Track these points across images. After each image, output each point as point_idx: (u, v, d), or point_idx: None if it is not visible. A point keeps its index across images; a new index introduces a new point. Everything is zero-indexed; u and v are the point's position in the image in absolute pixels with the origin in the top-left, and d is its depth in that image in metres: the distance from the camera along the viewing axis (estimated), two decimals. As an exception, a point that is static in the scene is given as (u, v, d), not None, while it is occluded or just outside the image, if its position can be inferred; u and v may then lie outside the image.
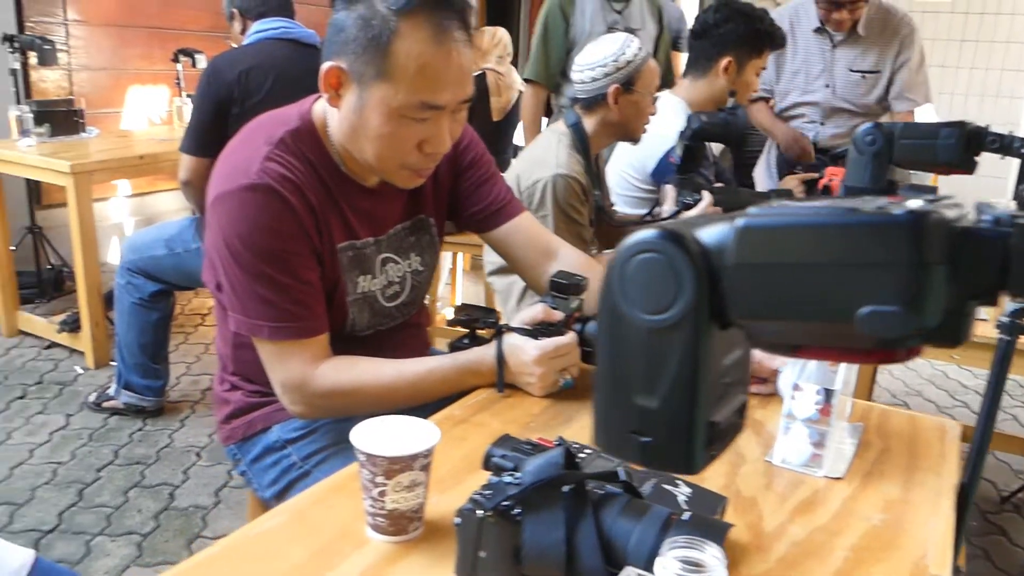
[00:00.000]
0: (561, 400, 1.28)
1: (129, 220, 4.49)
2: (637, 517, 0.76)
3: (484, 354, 1.30)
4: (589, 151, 2.09)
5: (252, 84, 2.54)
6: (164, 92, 4.50)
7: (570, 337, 1.28)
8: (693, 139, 2.01)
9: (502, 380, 1.29)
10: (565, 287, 1.32)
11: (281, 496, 1.39)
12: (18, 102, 3.45)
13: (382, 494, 0.87)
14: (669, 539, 0.65)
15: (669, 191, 2.02)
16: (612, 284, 0.46)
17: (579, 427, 1.20)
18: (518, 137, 3.74)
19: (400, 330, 1.50)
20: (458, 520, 0.78)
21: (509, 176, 2.07)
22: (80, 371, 3.29)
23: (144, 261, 2.79)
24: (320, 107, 1.32)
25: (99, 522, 2.35)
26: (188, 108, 3.77)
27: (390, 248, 1.43)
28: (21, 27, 3.81)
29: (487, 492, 0.78)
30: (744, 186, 3.11)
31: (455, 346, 1.44)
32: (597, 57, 2.05)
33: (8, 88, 3.48)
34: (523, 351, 1.27)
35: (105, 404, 2.96)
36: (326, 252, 1.31)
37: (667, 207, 2.00)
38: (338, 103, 1.24)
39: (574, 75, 2.09)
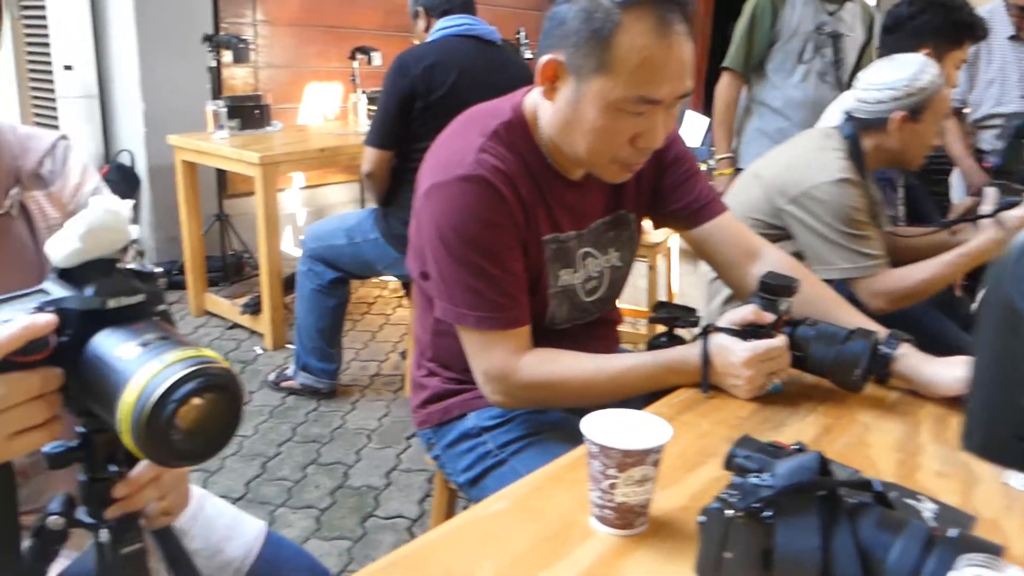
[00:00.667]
0: (769, 404, 1.24)
1: (301, 211, 4.72)
2: (896, 530, 0.72)
3: (688, 353, 1.28)
4: (864, 168, 1.93)
5: (436, 79, 2.60)
6: (338, 89, 4.70)
7: (781, 340, 1.24)
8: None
9: (707, 380, 1.26)
10: (775, 288, 1.27)
11: (475, 482, 1.41)
12: (214, 98, 3.69)
13: (612, 487, 0.87)
14: (965, 557, 0.61)
15: (991, 192, 1.90)
16: (1005, 281, 0.43)
17: (793, 431, 1.16)
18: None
19: (595, 326, 1.49)
20: (703, 518, 0.76)
21: (752, 175, 2.03)
22: (259, 351, 3.49)
23: (325, 249, 2.92)
24: (531, 100, 1.33)
25: (281, 494, 2.48)
26: (363, 104, 3.93)
27: (590, 242, 1.43)
28: (217, 27, 4.08)
29: (733, 492, 0.75)
30: (934, 193, 2.94)
31: (653, 344, 1.43)
32: (888, 79, 1.88)
33: (205, 84, 3.72)
34: (732, 352, 1.23)
35: (283, 384, 3.12)
36: (532, 244, 1.33)
37: (987, 207, 1.88)
38: (553, 96, 1.24)
39: (859, 91, 1.93)
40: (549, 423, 1.40)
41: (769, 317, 1.26)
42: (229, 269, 4.00)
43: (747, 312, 1.26)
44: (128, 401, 0.66)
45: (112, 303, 0.74)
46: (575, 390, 1.30)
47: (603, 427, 0.89)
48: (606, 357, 1.32)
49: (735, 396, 1.25)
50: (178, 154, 3.54)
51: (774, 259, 1.44)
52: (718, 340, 1.26)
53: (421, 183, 1.33)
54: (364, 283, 4.34)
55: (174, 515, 0.94)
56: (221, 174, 4.01)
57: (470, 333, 1.31)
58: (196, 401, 0.69)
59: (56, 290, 0.74)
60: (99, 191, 1.18)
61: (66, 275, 0.74)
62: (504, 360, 1.29)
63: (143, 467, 0.86)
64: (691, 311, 1.40)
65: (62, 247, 0.73)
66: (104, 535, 0.82)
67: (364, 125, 3.93)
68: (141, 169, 4.06)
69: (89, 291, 0.73)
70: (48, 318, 0.68)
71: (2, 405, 0.66)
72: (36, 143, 1.12)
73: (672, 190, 1.47)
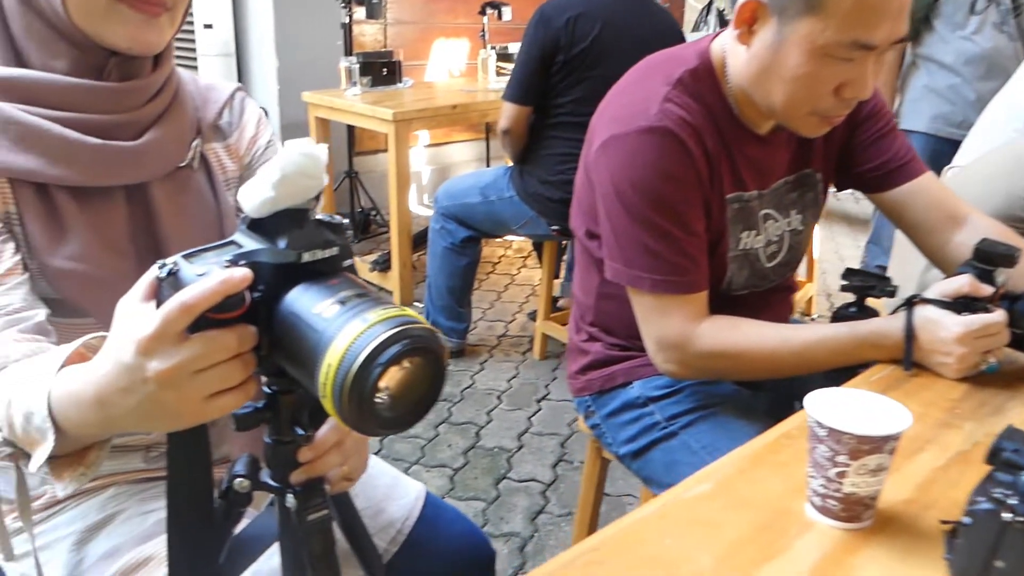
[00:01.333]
0: (983, 386, 1.11)
1: (426, 169, 4.71)
2: None
3: (889, 326, 1.16)
4: None
5: (579, 31, 2.50)
6: (466, 45, 4.64)
7: (999, 315, 1.10)
8: None
9: (911, 357, 1.14)
10: (993, 257, 1.14)
11: (639, 455, 1.34)
12: (345, 55, 3.69)
13: (841, 475, 0.78)
14: None
15: None
16: None
17: (1017, 417, 1.03)
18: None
19: (771, 293, 1.39)
20: (968, 520, 0.67)
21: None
22: (388, 308, 3.50)
23: (458, 207, 2.88)
24: (719, 45, 1.22)
25: (414, 452, 2.49)
26: (492, 60, 3.86)
27: (771, 203, 1.32)
28: (347, -17, 4.08)
29: (1007, 492, 0.65)
30: None
31: (840, 315, 1.31)
32: None
33: (337, 41, 3.73)
34: (942, 327, 1.11)
35: (413, 342, 3.12)
36: (715, 202, 1.23)
37: None
38: (749, 40, 1.13)
39: None
40: (721, 395, 1.31)
41: (987, 289, 1.12)
42: (358, 226, 4.04)
43: (961, 283, 1.13)
44: (331, 363, 0.61)
45: (307, 256, 0.69)
46: (757, 362, 1.20)
47: (830, 407, 0.79)
48: (792, 327, 1.21)
49: (941, 375, 1.13)
50: (311, 111, 3.56)
51: (984, 226, 1.29)
52: (926, 313, 1.13)
53: (595, 135, 1.25)
54: (488, 242, 4.30)
55: (354, 480, 0.91)
56: (350, 131, 4.03)
57: (644, 297, 1.23)
58: (403, 365, 0.64)
59: (247, 242, 0.70)
60: (273, 143, 1.16)
61: (257, 226, 0.70)
62: (681, 327, 1.21)
63: (327, 431, 0.82)
64: (886, 280, 1.28)
65: (254, 196, 0.68)
66: (290, 500, 0.79)
67: (494, 82, 3.86)
68: (275, 126, 4.13)
69: (282, 243, 0.68)
70: (244, 272, 0.63)
71: (200, 365, 0.61)
72: (216, 94, 1.10)
73: (864, 148, 1.34)
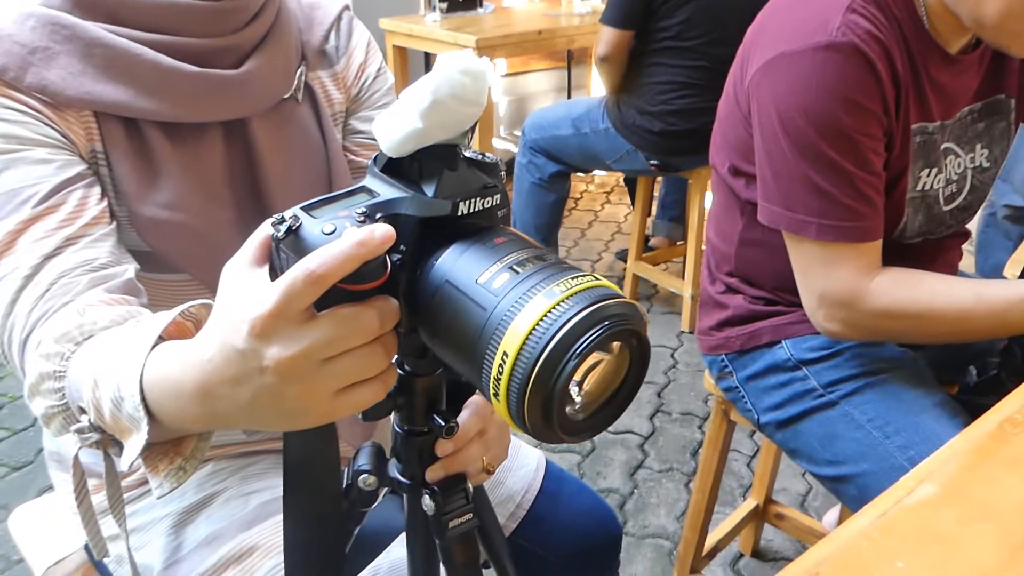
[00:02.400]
0: None
1: (502, 100, 4.51)
2: None
3: (1109, 285, 0.96)
4: None
5: (689, -56, 2.26)
6: (546, -33, 4.37)
7: None
8: None
9: None
10: None
11: (788, 424, 1.18)
12: (424, -23, 3.49)
13: None
14: None
15: None
16: None
17: None
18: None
19: (945, 240, 1.19)
20: None
21: None
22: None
23: (547, 140, 2.70)
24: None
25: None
26: (578, -19, 3.61)
27: (953, 136, 1.11)
28: (424, -99, 3.84)
29: None
30: None
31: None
32: None
33: (414, -37, 3.52)
34: None
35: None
36: (898, 135, 1.03)
37: None
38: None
39: None
40: (888, 360, 1.13)
41: None
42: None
43: None
44: (507, 353, 0.46)
45: (463, 207, 0.54)
46: (945, 324, 1.02)
47: None
48: (985, 283, 1.03)
49: None
50: (389, 39, 3.38)
51: None
52: None
53: (752, 54, 1.06)
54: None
55: (493, 472, 0.77)
56: (427, 59, 3.85)
57: (807, 245, 1.05)
58: (603, 354, 0.50)
59: (384, 189, 0.55)
60: (384, 71, 1.00)
61: (395, 168, 0.55)
62: (852, 281, 1.03)
63: (468, 418, 0.68)
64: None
65: (395, 128, 0.53)
66: (427, 502, 0.66)
67: (579, 4, 3.63)
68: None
69: (429, 190, 0.53)
70: (385, 229, 0.48)
71: (331, 351, 0.47)
72: (321, 14, 0.94)
73: None
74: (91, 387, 0.58)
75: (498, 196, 0.57)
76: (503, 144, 4.33)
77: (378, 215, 0.52)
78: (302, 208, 0.52)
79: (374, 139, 1.03)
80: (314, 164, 0.89)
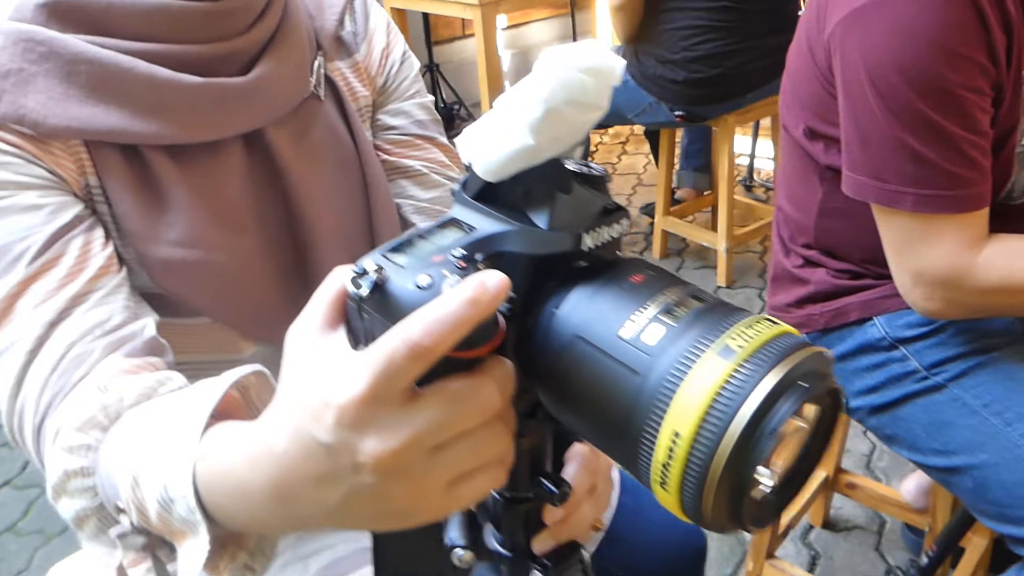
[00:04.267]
0: None
1: (505, 54, 4.34)
2: None
3: None
4: None
5: None
6: (540, -92, 4.16)
7: None
8: None
9: None
10: None
11: (886, 409, 1.07)
12: (414, -69, 3.30)
13: None
14: None
15: None
16: None
17: None
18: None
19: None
20: None
21: None
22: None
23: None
24: None
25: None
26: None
27: (1060, 76, 0.99)
28: None
29: None
30: None
31: None
32: None
33: (404, -84, 3.33)
34: None
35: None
36: (1008, 87, 0.91)
37: None
38: None
39: None
40: (997, 333, 1.02)
41: None
42: (444, 123, 3.74)
43: None
44: (679, 433, 0.36)
45: (588, 240, 0.43)
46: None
47: None
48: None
49: None
50: (386, 1, 3.21)
51: None
52: None
53: (839, 4, 0.93)
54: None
55: (603, 528, 0.66)
56: (426, 19, 3.68)
57: (902, 219, 0.94)
58: (799, 422, 0.40)
59: (480, 221, 0.44)
60: (408, 56, 0.88)
61: (490, 193, 0.44)
62: (955, 256, 0.92)
63: (577, 476, 0.58)
64: None
65: (495, 146, 0.43)
66: None
67: (580, -52, 3.44)
68: (341, 20, 3.79)
69: (541, 220, 0.42)
70: (497, 280, 0.37)
71: (442, 437, 0.37)
72: None
73: None
74: (130, 485, 0.48)
75: (625, 221, 0.46)
76: (509, 100, 4.18)
77: (479, 257, 0.42)
78: (383, 254, 0.41)
79: (407, 135, 0.91)
80: (347, 169, 0.77)
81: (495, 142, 0.42)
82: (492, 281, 0.37)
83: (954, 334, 1.03)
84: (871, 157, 0.93)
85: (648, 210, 3.00)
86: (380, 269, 0.39)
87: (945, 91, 0.87)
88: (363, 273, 0.39)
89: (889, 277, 1.02)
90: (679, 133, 2.98)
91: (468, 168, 0.46)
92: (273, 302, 0.72)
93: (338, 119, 0.78)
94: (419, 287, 0.38)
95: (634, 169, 3.57)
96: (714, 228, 2.70)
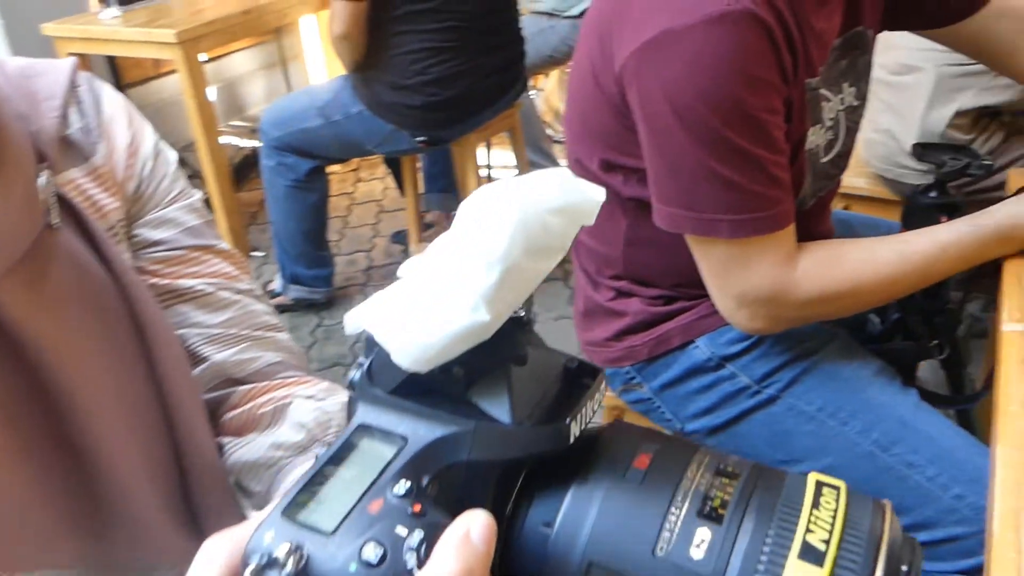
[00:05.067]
0: None
1: (211, 89, 4.01)
2: None
3: (1018, 213, 0.93)
4: None
5: None
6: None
7: None
8: None
9: (1058, 247, 0.93)
10: None
11: (721, 429, 1.07)
12: (84, -33, 2.93)
13: None
14: None
15: None
16: None
17: None
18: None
19: (829, 195, 1.12)
20: None
21: None
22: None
23: (295, 136, 2.38)
24: None
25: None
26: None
27: (823, 80, 1.03)
28: None
29: None
30: None
31: (917, 205, 1.08)
32: None
33: (66, -49, 2.94)
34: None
35: (272, 303, 2.64)
36: (797, 101, 0.93)
37: None
38: None
39: None
40: (812, 336, 1.05)
41: None
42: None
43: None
44: None
45: (576, 428, 0.33)
46: (875, 293, 0.96)
47: None
48: (904, 239, 0.96)
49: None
50: (61, 47, 2.81)
51: None
52: (1076, 190, 0.91)
53: (621, 31, 0.89)
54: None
55: None
56: (111, 62, 3.29)
57: (720, 246, 0.93)
58: None
59: (409, 426, 0.32)
60: (161, 150, 0.70)
61: (415, 386, 0.33)
62: (775, 275, 0.92)
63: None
64: (973, 153, 1.05)
65: (427, 329, 0.32)
66: None
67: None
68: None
69: (500, 411, 0.32)
70: (481, 527, 0.29)
71: None
72: (45, 84, 0.63)
73: None
74: None
75: (604, 383, 0.36)
76: (223, 139, 3.87)
77: (426, 480, 0.30)
78: (288, 517, 0.28)
79: (179, 249, 0.73)
80: (105, 311, 0.59)
81: (429, 322, 0.30)
82: (477, 531, 0.27)
83: (774, 344, 1.04)
84: (682, 188, 0.91)
85: (400, 238, 2.91)
86: (296, 550, 0.26)
87: (748, 116, 0.86)
88: (271, 563, 0.26)
89: (703, 297, 1.01)
90: (419, 156, 2.91)
91: (371, 349, 0.34)
92: (37, 523, 0.54)
93: (83, 248, 0.59)
94: (369, 565, 0.26)
95: (372, 196, 3.46)
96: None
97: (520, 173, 2.48)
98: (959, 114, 1.58)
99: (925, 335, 1.10)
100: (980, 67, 1.54)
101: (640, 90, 0.89)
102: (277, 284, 2.64)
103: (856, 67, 1.06)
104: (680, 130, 0.87)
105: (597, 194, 0.31)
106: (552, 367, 0.35)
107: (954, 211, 1.04)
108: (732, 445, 1.07)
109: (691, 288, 1.03)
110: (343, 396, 0.68)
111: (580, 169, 1.07)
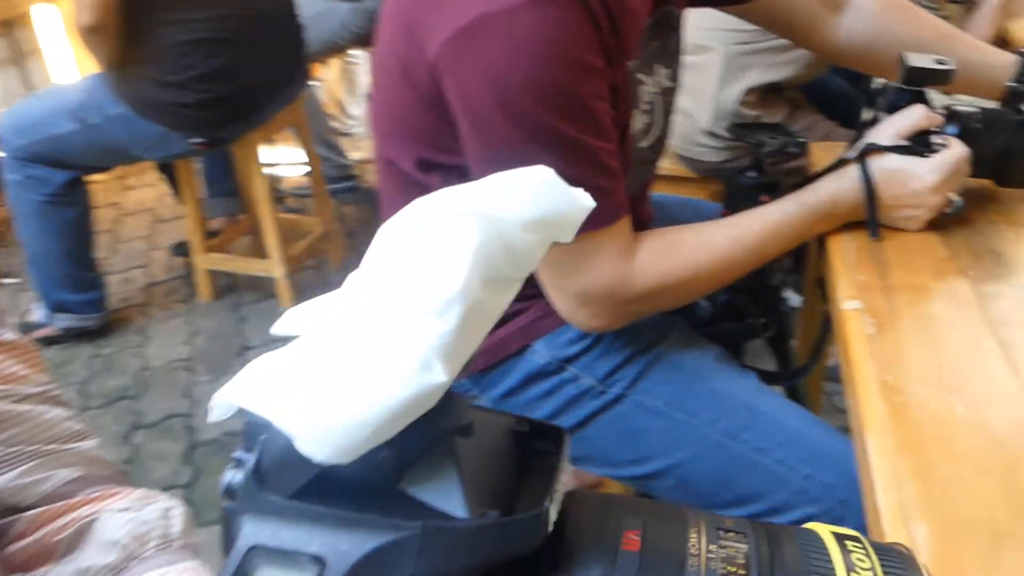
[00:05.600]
0: (958, 232, 0.96)
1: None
2: None
3: (841, 189, 0.94)
4: None
5: None
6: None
7: (962, 146, 0.94)
8: None
9: (876, 221, 0.94)
10: (930, 75, 0.95)
11: (570, 432, 1.01)
12: None
13: None
14: None
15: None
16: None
17: (1015, 256, 0.90)
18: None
19: (650, 182, 1.09)
20: None
21: None
22: (-31, 299, 2.57)
23: (43, 144, 2.08)
24: None
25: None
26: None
27: (639, 64, 0.99)
28: None
29: None
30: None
31: (739, 185, 1.07)
32: None
33: None
34: (913, 176, 0.92)
35: (36, 335, 2.31)
36: (622, 85, 0.88)
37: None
38: None
39: None
40: (651, 327, 1.01)
41: (939, 118, 0.95)
42: None
43: (916, 118, 0.93)
44: None
45: (555, 512, 0.27)
46: (711, 279, 0.94)
47: None
48: (734, 222, 0.94)
49: (904, 230, 0.96)
50: None
51: (867, 7, 1.10)
52: (888, 164, 0.93)
53: (429, 20, 0.80)
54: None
55: None
56: None
57: (555, 246, 0.86)
58: None
59: (326, 539, 0.24)
60: None
61: (325, 478, 0.25)
62: (614, 268, 0.88)
63: None
64: (787, 132, 1.05)
65: (365, 403, 0.24)
66: None
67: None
68: None
69: (453, 504, 0.25)
70: None
71: None
72: None
73: None
74: None
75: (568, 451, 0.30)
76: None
77: None
78: None
79: None
80: None
81: (356, 393, 0.22)
82: None
83: (613, 340, 1.00)
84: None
85: (181, 250, 2.64)
86: None
87: (576, 103, 0.80)
88: None
89: (536, 297, 0.95)
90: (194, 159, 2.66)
91: (252, 440, 0.25)
92: None
93: None
94: None
95: (145, 205, 3.14)
96: (261, 254, 2.47)
97: (311, 171, 2.33)
98: (748, 91, 1.63)
99: (753, 314, 1.10)
100: (764, 45, 1.60)
101: (457, 82, 0.80)
102: (39, 314, 2.31)
103: (668, 48, 1.03)
104: (505, 122, 0.79)
105: (586, 199, 0.26)
106: (499, 433, 0.28)
107: (773, 189, 1.05)
108: (581, 450, 1.02)
109: (524, 288, 0.96)
110: (165, 503, 0.55)
111: (393, 171, 0.97)
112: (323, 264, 2.66)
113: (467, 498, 0.24)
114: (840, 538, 0.27)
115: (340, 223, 2.83)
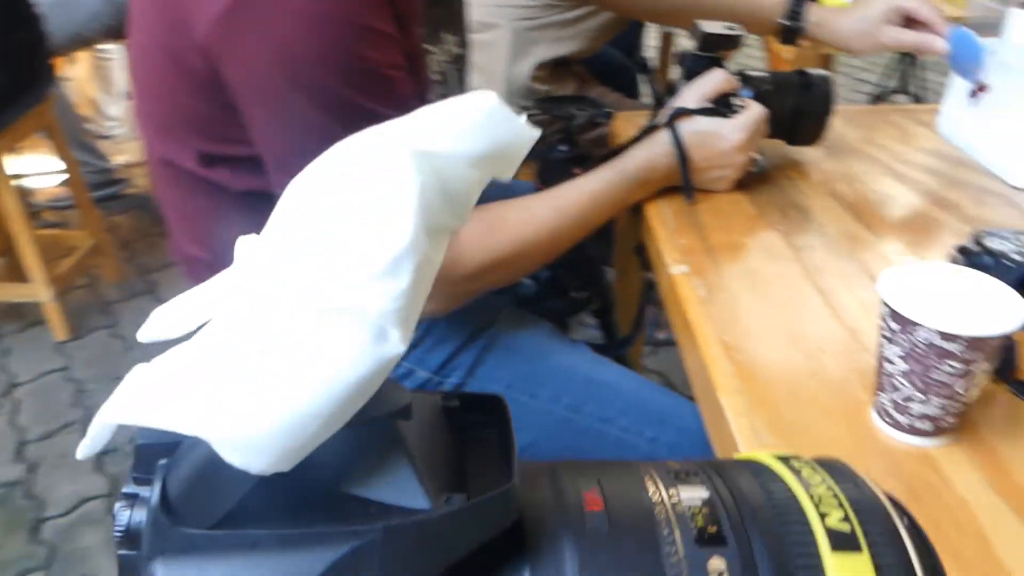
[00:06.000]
0: (764, 190, 1.00)
1: None
2: None
3: (653, 155, 0.96)
4: None
5: None
6: None
7: (760, 107, 0.98)
8: None
9: (690, 183, 0.96)
10: (723, 41, 0.98)
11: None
12: None
13: (968, 386, 0.58)
14: None
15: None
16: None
17: (820, 211, 0.95)
18: None
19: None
20: None
21: None
22: None
23: None
24: None
25: None
26: None
27: (424, 33, 0.95)
28: None
29: None
30: None
31: (553, 161, 1.06)
32: None
33: None
34: (720, 137, 0.95)
35: None
36: (414, 53, 0.84)
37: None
38: None
39: None
40: (479, 311, 0.98)
41: (737, 82, 0.98)
42: None
43: (718, 81, 0.96)
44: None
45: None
46: (539, 252, 0.92)
47: (910, 299, 0.58)
48: (556, 194, 0.93)
49: (715, 191, 0.99)
50: None
51: None
52: (697, 127, 0.95)
53: (195, 2, 0.71)
54: None
55: None
56: None
57: None
58: None
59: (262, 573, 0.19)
60: None
61: (261, 498, 0.20)
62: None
63: None
64: (592, 102, 1.05)
65: (307, 394, 0.19)
66: None
67: None
68: None
69: (410, 497, 0.22)
70: None
71: None
72: None
73: None
74: None
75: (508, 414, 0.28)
76: None
77: None
78: None
79: None
80: None
81: (295, 382, 0.19)
82: None
83: (443, 329, 0.95)
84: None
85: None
86: None
87: (374, 74, 0.75)
88: None
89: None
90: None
91: (149, 465, 0.21)
92: None
93: None
94: None
95: None
96: (19, 278, 2.18)
97: (70, 178, 2.09)
98: (538, 67, 1.63)
99: (576, 288, 1.10)
100: (549, 21, 1.61)
101: (238, 61, 0.72)
102: None
103: (452, 13, 1.00)
104: (297, 99, 0.72)
105: (530, 129, 0.23)
106: (432, 413, 0.25)
107: (583, 162, 1.04)
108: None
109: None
110: None
111: (172, 172, 0.86)
112: (96, 281, 2.41)
113: (425, 486, 0.21)
114: (784, 460, 0.27)
115: (111, 234, 2.56)
